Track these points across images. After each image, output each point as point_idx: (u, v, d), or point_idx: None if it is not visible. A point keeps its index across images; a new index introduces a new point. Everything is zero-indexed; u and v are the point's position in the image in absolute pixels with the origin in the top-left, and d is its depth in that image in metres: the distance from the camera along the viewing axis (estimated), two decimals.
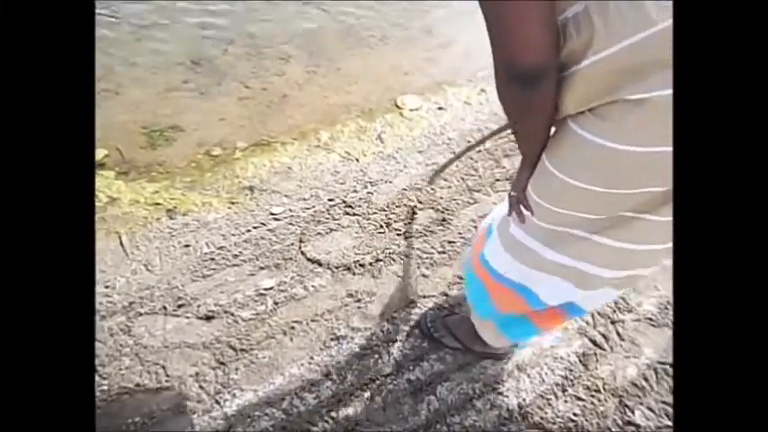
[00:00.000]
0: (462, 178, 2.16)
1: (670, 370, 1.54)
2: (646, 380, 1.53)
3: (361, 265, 1.82)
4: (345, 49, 2.88)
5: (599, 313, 1.66)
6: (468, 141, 2.33)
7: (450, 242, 1.91)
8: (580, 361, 1.56)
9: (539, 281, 0.98)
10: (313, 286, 1.75)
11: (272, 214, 1.99)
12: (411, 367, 1.54)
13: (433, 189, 2.10)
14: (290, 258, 1.83)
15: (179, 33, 2.86)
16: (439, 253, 1.87)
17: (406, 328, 1.64)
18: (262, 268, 1.80)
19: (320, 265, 1.82)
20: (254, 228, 1.93)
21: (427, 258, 1.86)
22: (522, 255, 0.96)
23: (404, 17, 3.17)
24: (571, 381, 1.52)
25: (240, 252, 1.84)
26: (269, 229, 1.93)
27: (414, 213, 2.02)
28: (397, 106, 2.52)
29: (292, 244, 1.88)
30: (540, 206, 0.86)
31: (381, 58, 2.84)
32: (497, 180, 2.15)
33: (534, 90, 0.66)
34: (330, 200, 2.05)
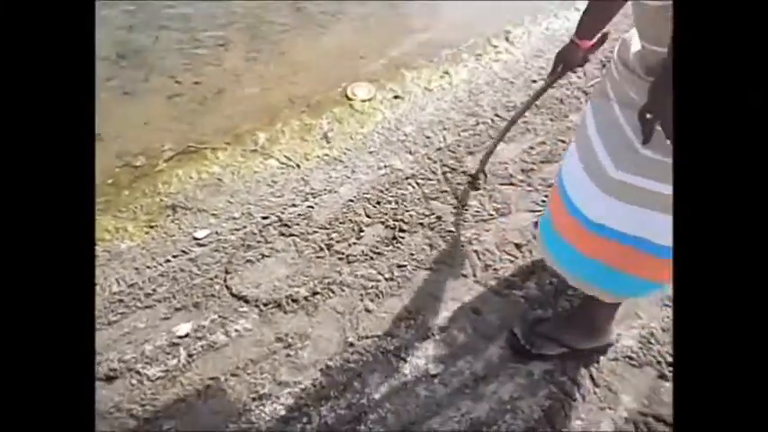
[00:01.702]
0: (417, 183, 1.87)
1: (653, 423, 1.30)
2: None
3: (294, 300, 1.56)
4: (292, 30, 2.53)
5: (568, 354, 1.40)
6: (428, 137, 2.03)
7: (399, 266, 1.64)
8: (545, 416, 1.32)
9: (650, 222, 0.93)
10: (236, 330, 1.49)
11: (195, 239, 1.72)
12: None
13: (379, 203, 1.81)
14: (212, 295, 1.57)
15: (106, 20, 2.51)
16: (386, 280, 1.61)
17: (342, 379, 1.39)
18: (178, 309, 1.54)
19: (247, 302, 1.56)
20: (174, 257, 1.67)
21: (372, 288, 1.59)
22: (632, 195, 0.92)
23: None
24: None
25: (154, 290, 1.58)
26: (190, 259, 1.66)
27: (360, 231, 1.74)
28: (347, 97, 2.21)
29: (216, 276, 1.62)
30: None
31: (333, 40, 2.50)
32: (459, 185, 1.86)
33: None
34: (264, 218, 1.77)
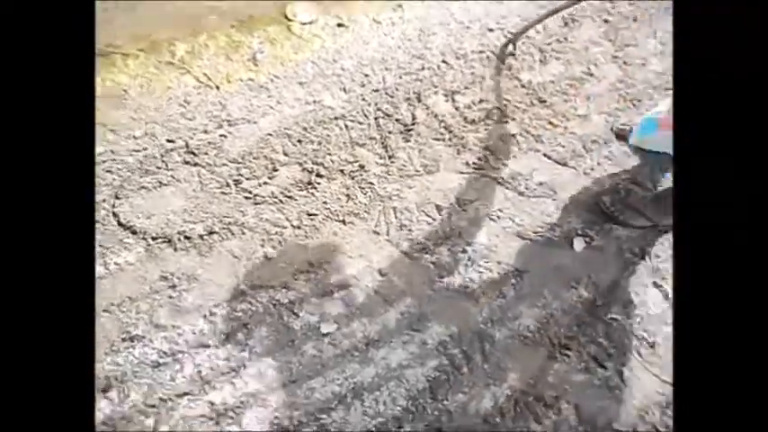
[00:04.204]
0: (346, 125, 1.72)
1: (533, 403, 1.29)
2: (502, 414, 1.27)
3: (187, 237, 1.43)
4: None
5: (468, 327, 1.36)
6: (366, 75, 1.86)
7: (310, 214, 1.53)
8: (429, 387, 1.29)
9: None
10: (117, 264, 1.36)
11: None
12: (217, 384, 1.23)
13: (300, 142, 1.66)
14: (96, 221, 1.42)
15: None
16: (293, 227, 1.50)
17: (225, 329, 1.31)
18: None
19: (134, 233, 1.42)
20: None
21: (276, 234, 1.48)
22: None
23: None
24: (411, 413, 1.25)
25: None
26: None
27: (274, 170, 1.60)
28: (286, 17, 1.98)
29: (104, 201, 1.46)
30: None
31: None
32: (390, 132, 1.73)
33: None
34: (169, 141, 1.60)
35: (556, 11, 1.83)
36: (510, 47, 1.96)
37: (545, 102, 1.86)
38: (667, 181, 1.67)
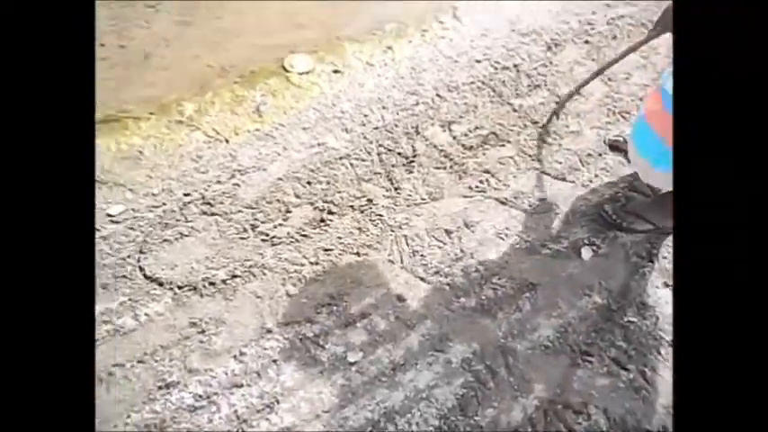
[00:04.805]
0: (351, 164, 1.81)
1: (561, 411, 1.32)
2: (533, 425, 1.30)
3: (211, 283, 1.49)
4: None
5: (490, 343, 1.40)
6: (365, 115, 1.96)
7: (325, 250, 1.59)
8: (459, 404, 1.32)
9: None
10: (147, 315, 1.42)
11: (108, 216, 1.61)
12: (254, 422, 1.26)
13: (310, 183, 1.74)
14: (123, 276, 1.48)
15: None
16: (311, 264, 1.56)
17: (256, 367, 1.35)
18: None
19: (160, 284, 1.48)
20: None
21: (295, 272, 1.54)
22: None
23: None
24: None
25: None
26: (102, 237, 1.56)
27: (287, 211, 1.67)
28: (284, 69, 2.10)
29: (129, 256, 1.53)
30: None
31: (274, 6, 2.36)
32: (393, 166, 1.81)
33: None
34: (186, 194, 1.68)
35: (597, 73, 1.76)
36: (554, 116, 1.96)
37: (537, 123, 1.95)
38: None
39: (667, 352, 1.42)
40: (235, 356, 1.37)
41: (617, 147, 1.86)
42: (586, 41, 2.24)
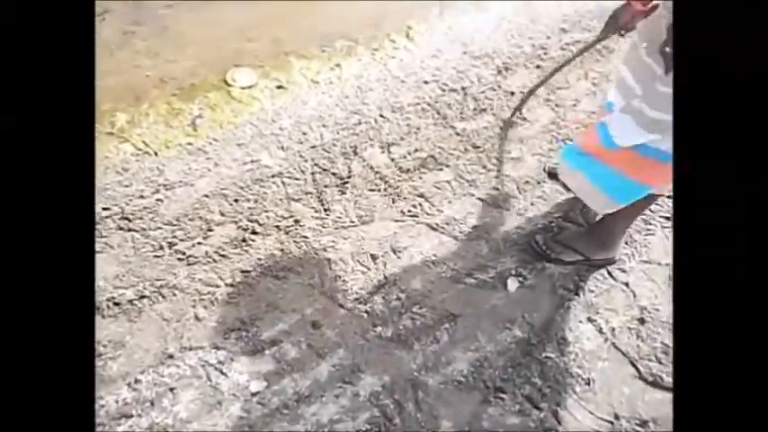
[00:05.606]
0: (283, 182, 1.76)
1: None
2: None
3: (116, 303, 1.43)
4: (182, 3, 2.34)
5: (402, 376, 1.35)
6: (304, 133, 1.91)
7: (243, 271, 1.53)
8: None
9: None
10: None
11: None
12: None
13: (237, 201, 1.69)
14: None
15: None
16: (226, 286, 1.50)
17: (150, 395, 1.28)
18: None
19: None
20: None
21: (208, 294, 1.48)
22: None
23: None
24: None
25: None
26: None
27: (209, 230, 1.62)
28: (226, 83, 2.06)
29: None
30: None
31: (223, 18, 2.32)
32: (326, 186, 1.76)
33: None
34: (105, 208, 1.62)
35: (550, 75, 1.83)
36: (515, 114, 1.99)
37: (479, 147, 1.92)
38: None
39: (583, 390, 1.37)
40: (129, 384, 1.30)
41: (556, 175, 1.83)
42: (538, 66, 2.22)
